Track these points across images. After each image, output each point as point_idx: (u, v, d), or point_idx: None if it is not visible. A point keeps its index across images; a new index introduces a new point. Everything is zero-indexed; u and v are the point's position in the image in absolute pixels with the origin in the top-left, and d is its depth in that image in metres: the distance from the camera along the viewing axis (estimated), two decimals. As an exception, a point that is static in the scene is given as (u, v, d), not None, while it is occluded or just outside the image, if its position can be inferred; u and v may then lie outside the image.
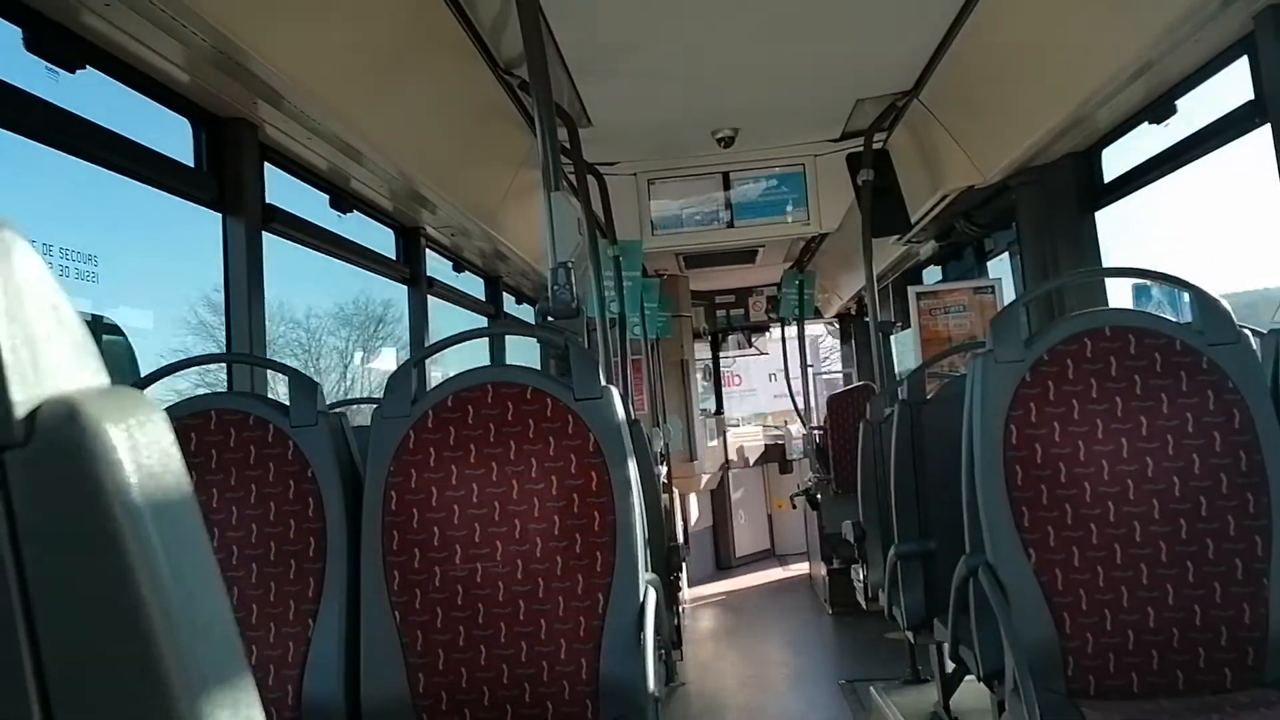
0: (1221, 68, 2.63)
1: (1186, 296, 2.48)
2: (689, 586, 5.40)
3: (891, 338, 5.55)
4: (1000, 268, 4.83)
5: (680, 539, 5.60)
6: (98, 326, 2.13)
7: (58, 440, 0.36)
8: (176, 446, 0.43)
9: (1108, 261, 3.56)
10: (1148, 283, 3.14)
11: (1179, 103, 2.87)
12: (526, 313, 5.56)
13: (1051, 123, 3.09)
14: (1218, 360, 1.90)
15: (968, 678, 3.19)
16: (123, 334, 2.17)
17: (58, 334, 0.39)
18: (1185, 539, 1.85)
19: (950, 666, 2.95)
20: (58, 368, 0.38)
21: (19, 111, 1.87)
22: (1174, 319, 2.00)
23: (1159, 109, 2.93)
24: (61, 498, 0.37)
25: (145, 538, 0.38)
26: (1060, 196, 3.52)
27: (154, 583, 0.38)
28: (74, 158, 2.06)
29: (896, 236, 4.90)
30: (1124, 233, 3.54)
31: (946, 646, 2.45)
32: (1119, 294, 3.36)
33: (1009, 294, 4.59)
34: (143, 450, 0.39)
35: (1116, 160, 3.37)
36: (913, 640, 3.30)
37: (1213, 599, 1.83)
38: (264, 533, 1.92)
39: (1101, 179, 3.42)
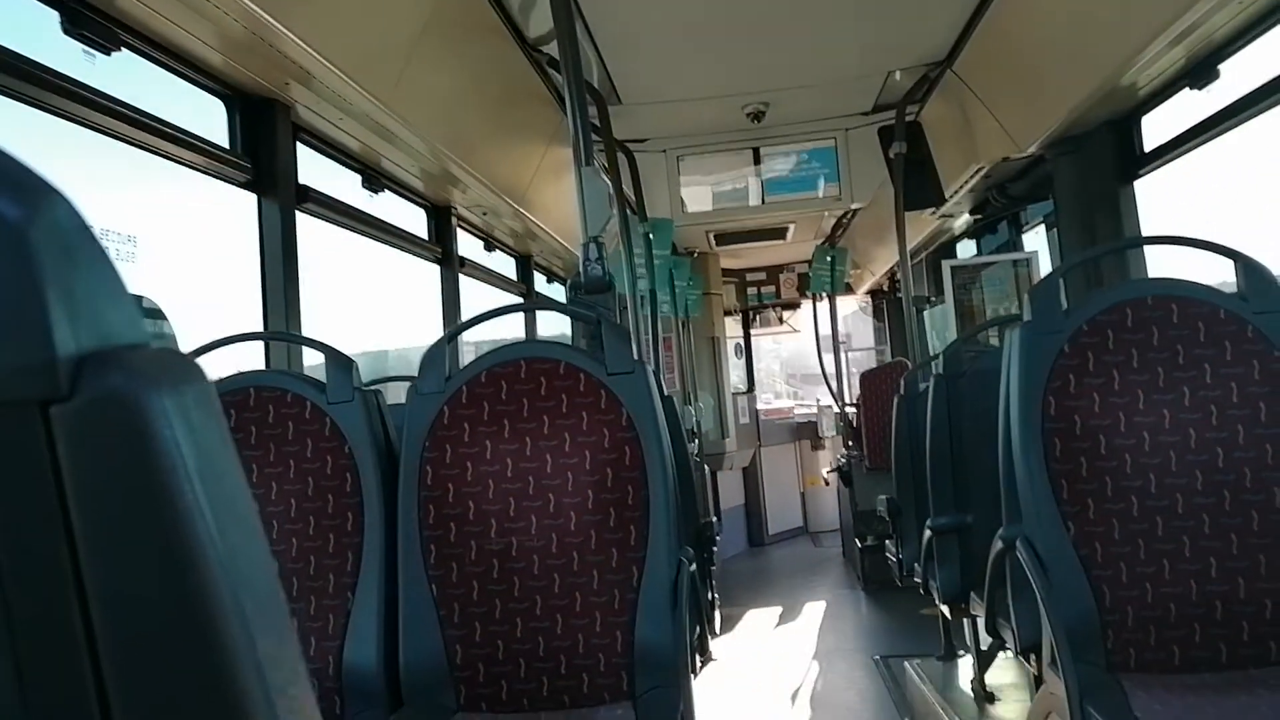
0: (1268, 29, 2.56)
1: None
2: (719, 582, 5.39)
3: (925, 312, 5.51)
4: (1036, 240, 4.76)
5: (713, 516, 5.61)
6: (139, 305, 2.17)
7: (104, 393, 0.37)
8: (220, 407, 0.43)
9: (1147, 232, 3.49)
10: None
11: (1221, 67, 2.80)
12: (557, 292, 5.57)
13: (1088, 90, 3.03)
14: (1263, 329, 1.85)
15: (1004, 652, 3.17)
16: (164, 315, 2.20)
17: (103, 292, 0.39)
18: (1229, 510, 1.82)
19: (986, 641, 2.93)
20: (104, 324, 0.39)
21: (57, 94, 1.90)
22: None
23: (1200, 74, 2.86)
24: (108, 452, 0.37)
25: (192, 493, 0.38)
26: (1098, 166, 3.45)
27: (201, 540, 0.39)
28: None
29: (930, 210, 4.83)
30: (1164, 201, 3.47)
31: (983, 620, 2.43)
32: (1158, 265, 3.29)
33: (1045, 267, 4.52)
34: (189, 407, 0.39)
35: (1157, 128, 3.30)
36: (948, 615, 3.29)
37: (1257, 571, 1.80)
38: (303, 507, 1.95)
39: (1141, 147, 3.35)
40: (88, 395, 0.36)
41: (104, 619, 0.38)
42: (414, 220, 3.76)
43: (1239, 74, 2.76)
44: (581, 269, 2.18)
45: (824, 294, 7.02)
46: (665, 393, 2.85)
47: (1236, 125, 2.79)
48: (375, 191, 3.28)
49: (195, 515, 0.38)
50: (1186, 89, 2.95)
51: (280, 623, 0.45)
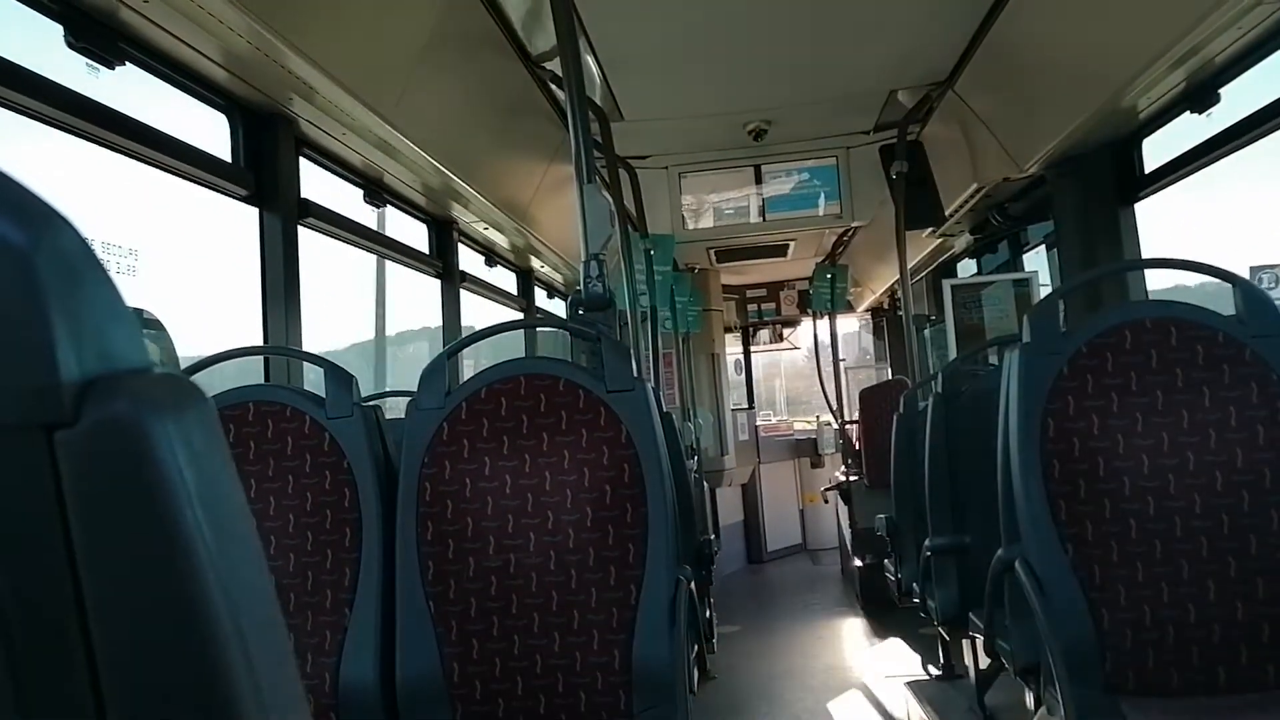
0: (1268, 54, 2.57)
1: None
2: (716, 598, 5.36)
3: (925, 332, 5.51)
4: (1037, 261, 4.76)
5: (711, 533, 5.59)
6: (139, 320, 2.17)
7: (108, 419, 0.37)
8: (222, 431, 0.43)
9: (1147, 254, 3.50)
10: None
11: (1222, 90, 2.81)
12: (558, 307, 5.58)
13: (1088, 112, 3.04)
14: (1261, 352, 1.86)
15: (1003, 673, 3.16)
16: (163, 328, 2.20)
17: (107, 317, 0.39)
18: (1227, 534, 1.81)
19: (985, 662, 2.92)
20: (107, 348, 0.39)
21: (60, 107, 1.91)
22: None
23: (1201, 97, 2.87)
24: (111, 478, 0.37)
25: (194, 518, 0.38)
26: (1098, 188, 3.46)
27: (202, 564, 0.39)
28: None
29: (930, 229, 4.85)
30: (1165, 220, 3.49)
31: (981, 641, 2.43)
32: (1158, 286, 3.30)
33: (1045, 287, 4.53)
34: (191, 432, 0.40)
35: (1157, 151, 3.31)
36: (946, 635, 3.27)
37: (1255, 595, 1.80)
38: (301, 523, 1.94)
39: (1141, 169, 3.36)
40: (91, 421, 0.36)
41: (104, 643, 0.38)
42: (416, 234, 3.77)
43: (1240, 97, 2.78)
44: (582, 286, 2.19)
45: (824, 311, 7.04)
46: (664, 409, 2.85)
47: (1237, 149, 2.80)
48: (378, 206, 3.29)
49: (196, 540, 0.38)
50: (1187, 112, 2.97)
51: (279, 647, 0.45)
